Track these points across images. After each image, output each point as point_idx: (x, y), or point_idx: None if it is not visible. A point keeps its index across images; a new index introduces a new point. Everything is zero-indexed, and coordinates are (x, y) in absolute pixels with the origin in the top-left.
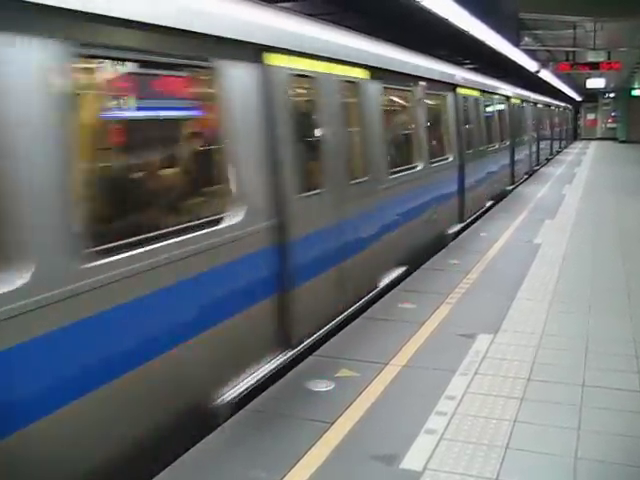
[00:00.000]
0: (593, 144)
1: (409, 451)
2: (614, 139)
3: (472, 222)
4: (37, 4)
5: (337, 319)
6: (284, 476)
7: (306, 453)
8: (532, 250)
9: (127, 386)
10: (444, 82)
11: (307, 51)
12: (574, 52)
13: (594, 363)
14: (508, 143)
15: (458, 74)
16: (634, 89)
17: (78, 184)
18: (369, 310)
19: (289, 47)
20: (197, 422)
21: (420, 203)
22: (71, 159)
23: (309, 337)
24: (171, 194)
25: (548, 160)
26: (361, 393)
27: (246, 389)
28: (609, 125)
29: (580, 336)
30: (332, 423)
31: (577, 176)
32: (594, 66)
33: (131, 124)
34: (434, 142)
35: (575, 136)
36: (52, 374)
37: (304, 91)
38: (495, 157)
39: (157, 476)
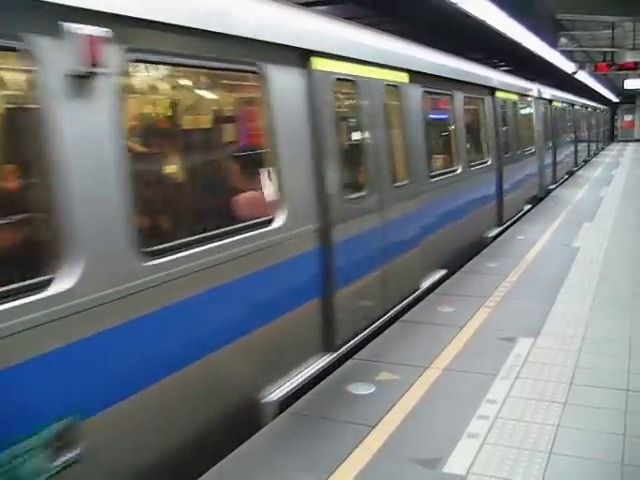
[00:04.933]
0: (630, 146)
1: (452, 455)
2: None
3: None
4: None
5: (380, 320)
6: (327, 479)
7: (349, 456)
8: (571, 253)
9: (185, 380)
10: (483, 86)
11: (351, 55)
12: (612, 52)
13: (638, 367)
14: (550, 144)
15: (496, 77)
16: None
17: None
18: (408, 314)
19: (334, 52)
20: (245, 419)
21: (459, 206)
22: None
23: (353, 338)
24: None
25: (586, 162)
26: (402, 396)
27: (291, 389)
28: None
29: (622, 340)
30: (374, 426)
31: (615, 178)
32: (633, 66)
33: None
34: (473, 146)
35: (612, 138)
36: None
37: (348, 95)
38: (533, 159)
39: (202, 477)
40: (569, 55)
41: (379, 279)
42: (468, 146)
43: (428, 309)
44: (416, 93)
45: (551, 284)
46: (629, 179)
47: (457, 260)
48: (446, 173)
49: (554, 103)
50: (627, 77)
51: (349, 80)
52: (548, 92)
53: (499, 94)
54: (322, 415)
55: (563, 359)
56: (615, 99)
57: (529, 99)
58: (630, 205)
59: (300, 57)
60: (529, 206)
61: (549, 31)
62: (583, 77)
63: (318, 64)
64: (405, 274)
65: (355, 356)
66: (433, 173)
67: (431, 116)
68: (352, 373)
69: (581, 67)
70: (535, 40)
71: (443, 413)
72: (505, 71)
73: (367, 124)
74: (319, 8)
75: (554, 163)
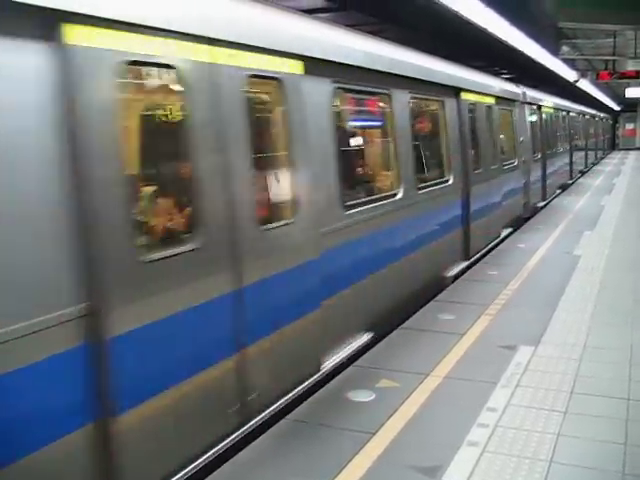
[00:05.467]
0: (632, 154)
1: (451, 463)
2: None
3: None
4: None
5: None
6: None
7: (348, 463)
8: (572, 261)
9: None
10: (441, 85)
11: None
12: (614, 61)
13: (639, 376)
14: (539, 156)
15: (463, 75)
16: None
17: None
18: (408, 321)
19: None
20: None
21: (398, 243)
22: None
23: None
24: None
25: (583, 173)
26: (402, 404)
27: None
28: None
29: (623, 348)
30: (374, 434)
31: (616, 187)
32: (634, 75)
33: None
34: (425, 161)
35: (613, 146)
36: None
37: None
38: (516, 174)
39: (208, 478)
40: (571, 63)
41: (229, 373)
42: (416, 162)
43: (429, 317)
44: (319, 90)
45: (552, 292)
46: (630, 187)
47: (394, 315)
48: (376, 200)
49: (545, 109)
50: (629, 85)
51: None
52: (537, 96)
53: (467, 96)
54: (322, 422)
55: (564, 367)
56: (616, 107)
57: (512, 103)
58: (631, 213)
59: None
60: (508, 231)
61: (551, 39)
62: (585, 85)
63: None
64: (290, 353)
65: (355, 363)
66: (350, 203)
67: (352, 123)
68: (352, 380)
69: (583, 75)
70: (536, 48)
71: (443, 421)
72: (507, 79)
73: (200, 142)
74: (321, 15)
75: (544, 177)
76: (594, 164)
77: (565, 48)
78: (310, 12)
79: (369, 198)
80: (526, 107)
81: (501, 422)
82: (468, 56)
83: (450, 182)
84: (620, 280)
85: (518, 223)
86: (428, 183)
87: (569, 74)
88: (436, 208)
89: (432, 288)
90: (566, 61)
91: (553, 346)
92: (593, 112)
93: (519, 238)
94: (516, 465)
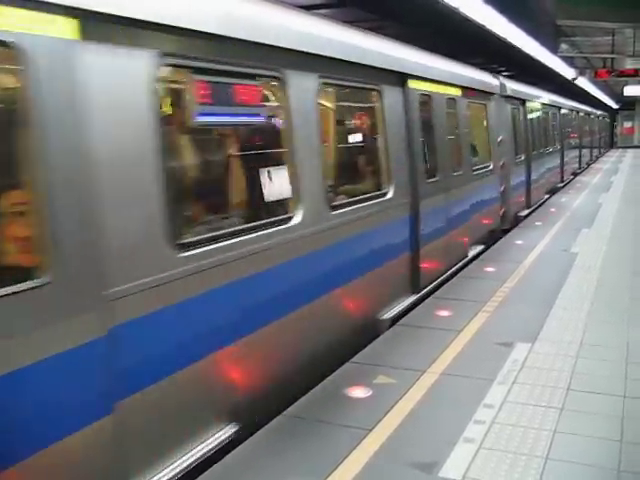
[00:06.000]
0: (630, 152)
1: (448, 459)
2: None
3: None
4: None
5: None
6: None
7: (345, 459)
8: (569, 259)
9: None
10: (374, 68)
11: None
12: (612, 59)
13: (635, 374)
14: (522, 158)
15: (410, 58)
16: None
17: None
18: (405, 317)
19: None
20: None
21: (300, 284)
22: None
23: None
24: None
25: (576, 175)
26: (399, 400)
27: None
28: None
29: (620, 346)
30: (370, 430)
31: (614, 184)
32: (633, 73)
33: None
34: (347, 171)
35: (611, 144)
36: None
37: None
38: (490, 181)
39: (200, 476)
40: (569, 61)
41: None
42: (334, 172)
43: (426, 313)
44: (123, 66)
45: (549, 289)
46: (628, 185)
47: (277, 395)
48: (255, 229)
49: (530, 104)
50: (627, 84)
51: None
52: (521, 90)
53: (417, 84)
54: (319, 418)
55: (560, 364)
56: (615, 105)
57: (487, 97)
58: (629, 211)
59: None
60: (479, 248)
61: (549, 37)
62: (583, 83)
63: None
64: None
65: (352, 359)
66: (194, 240)
67: (201, 118)
68: (349, 376)
69: (581, 73)
70: (535, 45)
71: (440, 417)
72: (508, 76)
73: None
74: (321, 11)
75: (528, 182)
76: (589, 164)
77: (564, 46)
78: (309, 8)
79: (243, 226)
80: (506, 102)
81: (498, 419)
82: (467, 53)
83: (389, 196)
84: (617, 278)
85: (494, 236)
86: (351, 200)
87: (567, 72)
88: (363, 232)
89: (354, 341)
90: (565, 59)
91: (550, 343)
92: (588, 109)
93: (517, 235)
94: (512, 461)
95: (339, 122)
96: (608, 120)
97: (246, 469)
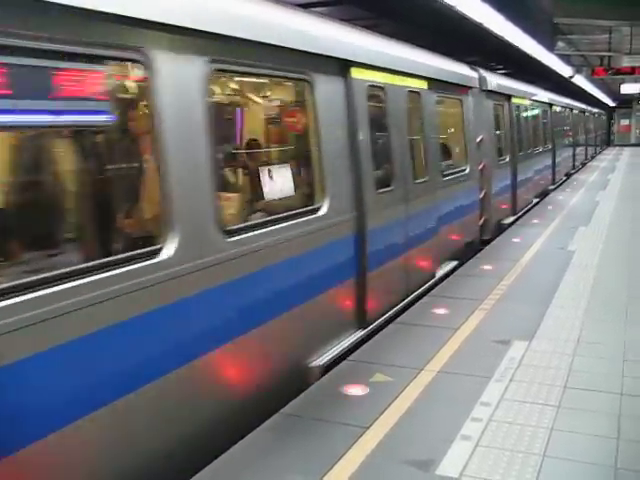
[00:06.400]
0: (627, 150)
1: (445, 457)
2: None
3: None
4: None
5: None
6: None
7: (342, 457)
8: (566, 257)
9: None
10: (305, 52)
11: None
12: (609, 57)
13: (632, 371)
14: (507, 159)
15: (358, 42)
16: None
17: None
18: (403, 315)
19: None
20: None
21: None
22: None
23: None
24: None
25: (569, 176)
26: (396, 398)
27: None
28: None
29: (617, 344)
30: (367, 428)
31: (611, 182)
32: (630, 71)
33: None
34: (264, 184)
35: (608, 142)
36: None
37: None
38: (466, 187)
39: (195, 477)
40: (566, 59)
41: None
42: (243, 184)
43: (423, 311)
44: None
45: (546, 287)
46: (625, 183)
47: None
48: (121, 263)
49: (516, 100)
50: (624, 81)
51: None
52: (505, 84)
53: (364, 74)
54: (315, 416)
55: (557, 362)
56: (612, 103)
57: (462, 91)
58: (626, 209)
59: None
60: (452, 265)
61: (547, 35)
62: (580, 81)
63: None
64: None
65: (349, 357)
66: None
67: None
68: (346, 374)
69: (578, 71)
70: (532, 43)
71: (437, 415)
72: (503, 74)
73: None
74: (318, 9)
75: (513, 186)
76: (584, 164)
77: (561, 44)
78: (306, 6)
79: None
80: (488, 97)
81: (495, 416)
82: (464, 51)
83: (323, 212)
84: (614, 276)
85: (472, 248)
86: (260, 221)
87: (564, 70)
88: (282, 260)
89: (275, 398)
90: (562, 57)
91: (547, 341)
92: (583, 107)
93: (515, 232)
94: (509, 459)
95: (248, 122)
96: (605, 118)
97: (243, 468)
